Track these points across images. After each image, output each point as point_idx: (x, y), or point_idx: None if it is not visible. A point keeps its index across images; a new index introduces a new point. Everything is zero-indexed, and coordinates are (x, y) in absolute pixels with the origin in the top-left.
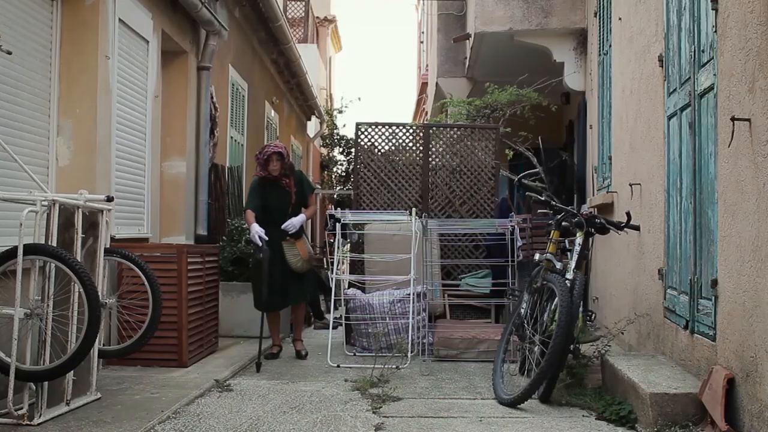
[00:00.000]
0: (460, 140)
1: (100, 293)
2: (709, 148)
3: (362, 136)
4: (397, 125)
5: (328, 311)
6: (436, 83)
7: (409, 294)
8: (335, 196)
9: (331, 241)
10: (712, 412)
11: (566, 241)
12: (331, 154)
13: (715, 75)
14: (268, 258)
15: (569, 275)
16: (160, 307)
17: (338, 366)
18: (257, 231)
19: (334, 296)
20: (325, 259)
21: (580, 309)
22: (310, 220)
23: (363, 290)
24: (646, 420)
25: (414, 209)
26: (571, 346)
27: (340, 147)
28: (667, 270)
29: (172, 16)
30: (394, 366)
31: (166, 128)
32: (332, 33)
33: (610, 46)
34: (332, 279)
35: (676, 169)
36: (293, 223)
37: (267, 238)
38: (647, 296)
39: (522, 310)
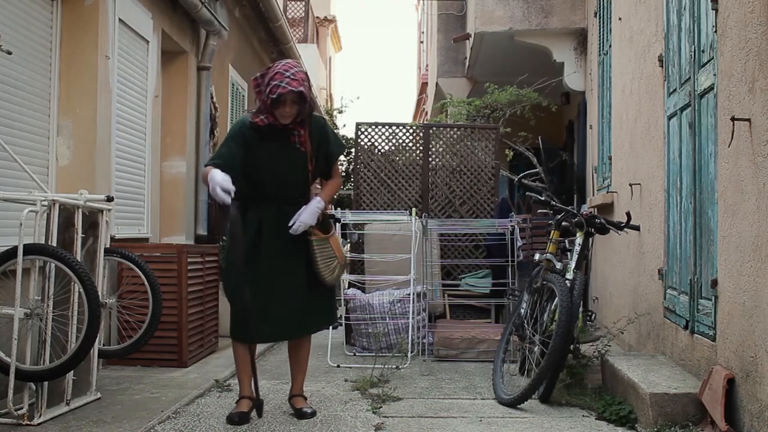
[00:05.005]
0: (460, 140)
1: (100, 293)
2: (709, 148)
3: (362, 136)
4: (397, 125)
5: None
6: (436, 83)
7: (409, 294)
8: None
9: None
10: (712, 412)
11: (566, 241)
12: None
13: (715, 75)
14: (239, 221)
15: (569, 275)
16: (160, 306)
17: (338, 366)
18: (221, 184)
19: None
20: None
21: (580, 309)
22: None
23: (363, 290)
24: (646, 420)
25: (414, 209)
26: (571, 346)
27: None
28: (667, 270)
29: (172, 16)
30: (394, 366)
31: (166, 128)
32: (332, 33)
33: (610, 46)
34: None
35: (676, 169)
36: (303, 219)
37: (234, 188)
38: (647, 296)
39: (522, 310)
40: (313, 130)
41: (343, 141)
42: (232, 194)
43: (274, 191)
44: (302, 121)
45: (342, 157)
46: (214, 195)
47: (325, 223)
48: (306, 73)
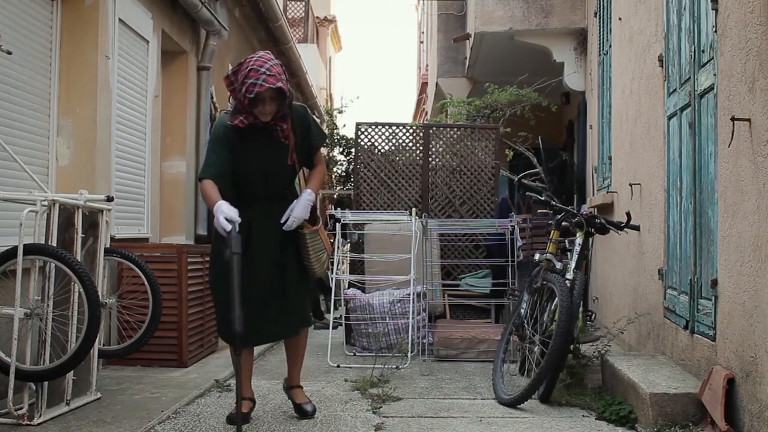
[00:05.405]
0: (460, 140)
1: (100, 293)
2: (709, 148)
3: (362, 136)
4: (397, 125)
5: (328, 311)
6: (436, 83)
7: (409, 294)
8: (335, 196)
9: (331, 241)
10: (712, 412)
11: (566, 241)
12: (331, 154)
13: (715, 75)
14: (239, 257)
15: (569, 275)
16: (160, 306)
17: (338, 366)
18: (226, 213)
19: (334, 296)
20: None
21: (580, 309)
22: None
23: (363, 290)
24: (646, 420)
25: (414, 209)
26: (571, 346)
27: (340, 147)
28: (667, 270)
29: (172, 16)
30: (394, 366)
31: (166, 128)
32: (332, 33)
33: (610, 46)
34: (332, 279)
35: (676, 169)
36: (297, 214)
37: (239, 220)
38: (647, 296)
39: (522, 310)
40: (295, 120)
41: (325, 130)
42: (237, 226)
43: (262, 190)
44: (283, 116)
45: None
46: (217, 224)
47: (312, 215)
48: (281, 65)
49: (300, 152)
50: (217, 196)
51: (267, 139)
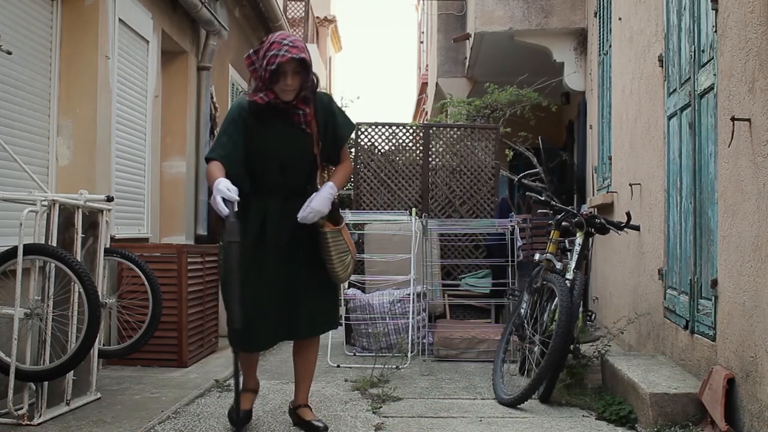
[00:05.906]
0: (460, 140)
1: (100, 293)
2: (709, 148)
3: (362, 136)
4: (397, 125)
5: None
6: (436, 83)
7: (409, 294)
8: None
9: None
10: (712, 412)
11: (566, 241)
12: None
13: (715, 75)
14: (237, 246)
15: (569, 275)
16: (160, 306)
17: (338, 366)
18: (223, 193)
19: None
20: None
21: (580, 309)
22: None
23: (363, 290)
24: (646, 420)
25: (414, 209)
26: (571, 346)
27: None
28: (667, 270)
29: (172, 16)
30: (394, 366)
31: (166, 128)
32: (332, 33)
33: (610, 46)
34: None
35: (676, 169)
36: (315, 206)
37: (238, 199)
38: (647, 296)
39: (522, 310)
40: (318, 108)
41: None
42: (235, 207)
43: (279, 181)
44: (306, 98)
45: None
46: (214, 204)
47: (335, 213)
48: (306, 48)
49: (324, 143)
50: (219, 173)
51: (287, 124)
